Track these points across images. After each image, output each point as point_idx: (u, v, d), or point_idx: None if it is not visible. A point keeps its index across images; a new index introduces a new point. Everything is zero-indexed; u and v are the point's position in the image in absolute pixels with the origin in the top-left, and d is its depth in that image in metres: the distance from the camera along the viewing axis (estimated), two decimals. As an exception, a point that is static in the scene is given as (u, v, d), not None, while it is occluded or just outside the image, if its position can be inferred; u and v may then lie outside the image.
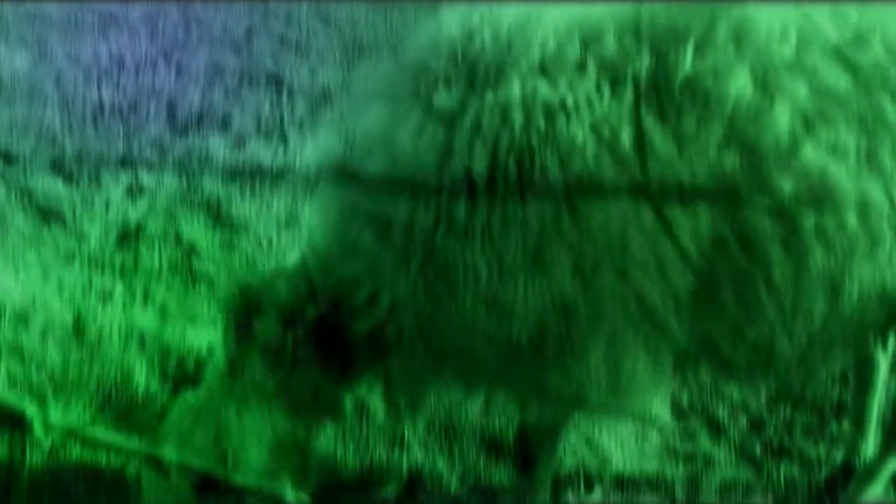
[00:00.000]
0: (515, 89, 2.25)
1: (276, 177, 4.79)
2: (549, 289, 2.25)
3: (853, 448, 3.05)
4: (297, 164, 4.89)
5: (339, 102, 5.29)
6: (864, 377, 3.01)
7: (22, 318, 3.60)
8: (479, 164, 2.22)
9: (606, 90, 2.25)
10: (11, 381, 3.22)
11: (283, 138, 5.14)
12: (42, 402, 1.93)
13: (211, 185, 4.62)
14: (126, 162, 4.77)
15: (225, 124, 5.23)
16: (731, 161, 2.21)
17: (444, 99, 2.27)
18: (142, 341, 3.53)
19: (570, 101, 2.23)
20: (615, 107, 2.24)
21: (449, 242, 2.26)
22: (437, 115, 2.26)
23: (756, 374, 2.56)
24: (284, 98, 5.56)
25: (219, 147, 5.00)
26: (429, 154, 2.25)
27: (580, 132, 2.21)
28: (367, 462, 3.11)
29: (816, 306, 2.29)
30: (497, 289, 2.27)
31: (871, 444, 3.03)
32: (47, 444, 2.81)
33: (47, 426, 1.94)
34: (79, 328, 3.58)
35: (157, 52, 5.98)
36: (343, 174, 2.42)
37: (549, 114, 2.23)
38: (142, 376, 3.33)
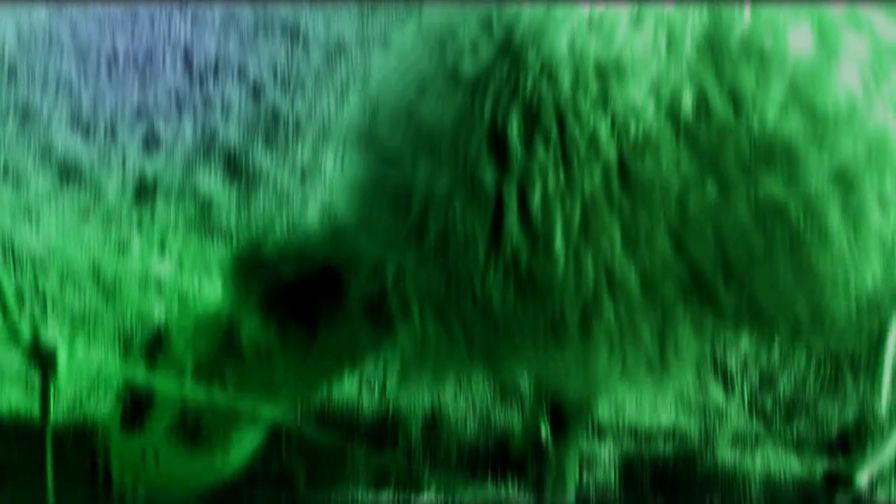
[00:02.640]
0: (562, 46, 2.17)
1: (294, 127, 4.81)
2: (595, 262, 2.20)
3: (866, 405, 3.08)
4: (315, 114, 4.91)
5: (359, 66, 5.28)
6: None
7: (41, 267, 3.71)
8: (514, 129, 2.17)
9: (663, 47, 2.19)
10: (34, 325, 3.33)
11: (301, 88, 5.16)
12: (68, 340, 2.02)
13: (228, 137, 4.66)
14: (142, 113, 4.82)
15: (241, 73, 5.26)
16: (791, 122, 2.18)
17: (471, 64, 2.21)
18: (159, 287, 3.63)
19: (625, 59, 2.16)
20: (674, 65, 2.18)
21: (472, 212, 2.21)
22: (464, 81, 2.21)
23: (800, 338, 2.58)
24: (300, 48, 5.57)
25: (235, 97, 5.03)
26: (451, 121, 2.21)
27: (637, 93, 2.16)
28: (386, 405, 3.21)
29: (870, 269, 2.30)
30: (534, 263, 2.20)
31: (884, 401, 3.06)
32: (73, 383, 2.94)
33: (74, 363, 2.01)
34: (97, 275, 3.68)
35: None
36: (365, 146, 2.41)
37: (602, 73, 2.17)
38: (161, 318, 3.43)
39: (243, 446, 2.59)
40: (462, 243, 2.23)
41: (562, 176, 2.16)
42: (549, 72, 2.17)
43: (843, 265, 2.27)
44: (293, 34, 5.67)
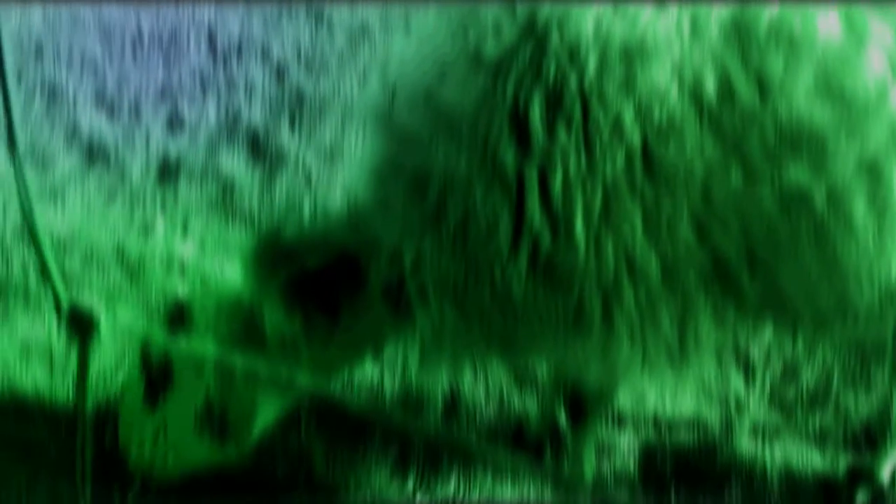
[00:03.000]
0: (587, 29, 2.16)
1: (318, 108, 4.81)
2: (616, 248, 2.20)
3: (890, 399, 3.06)
4: (340, 96, 4.91)
5: (382, 49, 5.28)
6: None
7: (65, 247, 3.75)
8: (536, 112, 2.16)
9: (687, 30, 2.17)
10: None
11: (325, 69, 5.15)
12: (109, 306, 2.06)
13: (252, 118, 4.67)
14: (166, 94, 4.83)
15: (265, 54, 5.26)
16: (819, 109, 2.16)
17: (493, 47, 2.21)
18: (182, 268, 3.66)
19: (649, 42, 2.15)
20: (697, 48, 2.16)
21: (493, 196, 2.21)
22: (486, 64, 2.21)
23: (823, 329, 2.55)
24: (324, 29, 5.56)
25: (259, 78, 5.04)
26: (472, 104, 2.20)
27: (661, 76, 2.15)
28: (407, 389, 3.21)
29: (895, 259, 2.28)
30: (555, 249, 2.21)
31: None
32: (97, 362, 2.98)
33: (115, 328, 2.04)
34: (121, 256, 3.72)
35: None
36: (384, 128, 2.40)
37: (627, 56, 2.15)
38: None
39: (259, 423, 2.61)
40: (483, 228, 2.23)
41: (583, 160, 2.16)
42: (573, 54, 2.16)
43: (867, 255, 2.26)
44: (317, 15, 5.66)
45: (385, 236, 2.36)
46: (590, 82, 2.15)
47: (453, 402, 3.20)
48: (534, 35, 2.20)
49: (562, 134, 2.16)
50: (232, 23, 5.47)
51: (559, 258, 2.21)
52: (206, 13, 5.54)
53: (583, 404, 2.81)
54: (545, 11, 2.20)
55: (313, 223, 2.55)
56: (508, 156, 2.18)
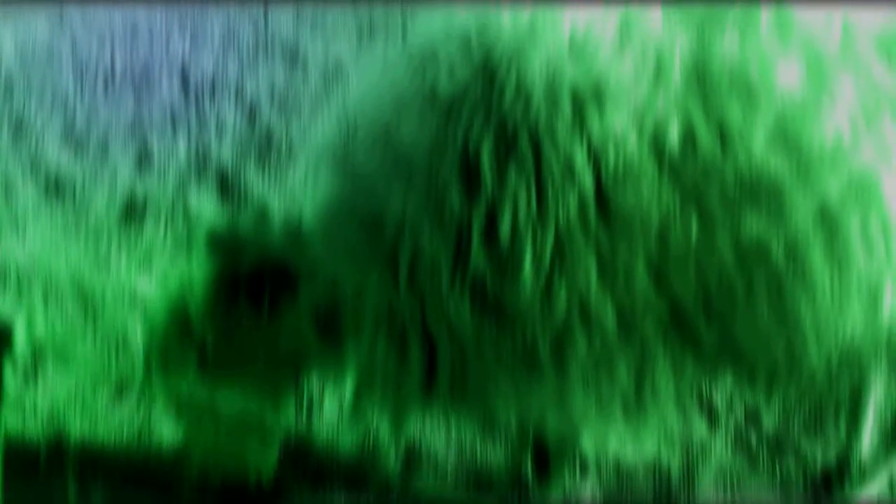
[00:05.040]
0: (538, 69, 2.16)
1: (287, 149, 4.86)
2: (569, 294, 2.19)
3: (849, 446, 3.09)
4: (311, 137, 4.96)
5: (346, 87, 5.34)
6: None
7: (25, 281, 3.75)
8: (486, 153, 2.17)
9: (649, 72, 2.16)
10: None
11: (297, 110, 5.21)
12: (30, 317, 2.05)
13: (222, 157, 4.71)
14: (135, 130, 4.87)
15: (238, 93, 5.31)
16: (777, 160, 2.17)
17: (448, 86, 2.22)
18: (143, 308, 3.67)
19: (605, 85, 2.14)
20: (660, 93, 2.16)
21: (437, 237, 2.22)
22: (439, 103, 2.22)
23: (778, 383, 2.54)
24: (299, 70, 5.63)
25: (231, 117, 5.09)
26: (426, 145, 2.22)
27: (618, 120, 2.14)
28: (365, 438, 3.20)
29: (853, 314, 2.28)
30: (503, 294, 2.21)
31: (866, 442, 3.07)
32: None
33: (32, 340, 2.04)
34: (80, 293, 3.71)
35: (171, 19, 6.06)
36: (339, 165, 2.41)
37: (579, 98, 2.15)
38: (138, 340, 3.46)
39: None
40: (428, 268, 2.23)
41: (534, 204, 2.16)
42: (525, 95, 2.17)
43: (824, 310, 2.26)
44: (292, 55, 5.73)
45: (328, 264, 2.36)
46: (541, 124, 2.16)
47: (413, 449, 3.20)
48: (486, 74, 2.21)
49: (512, 176, 2.17)
50: (206, 61, 5.53)
51: (507, 303, 2.21)
52: (180, 50, 5.60)
53: (547, 454, 2.81)
54: (499, 51, 2.22)
55: (259, 232, 2.50)
56: (455, 198, 2.19)
